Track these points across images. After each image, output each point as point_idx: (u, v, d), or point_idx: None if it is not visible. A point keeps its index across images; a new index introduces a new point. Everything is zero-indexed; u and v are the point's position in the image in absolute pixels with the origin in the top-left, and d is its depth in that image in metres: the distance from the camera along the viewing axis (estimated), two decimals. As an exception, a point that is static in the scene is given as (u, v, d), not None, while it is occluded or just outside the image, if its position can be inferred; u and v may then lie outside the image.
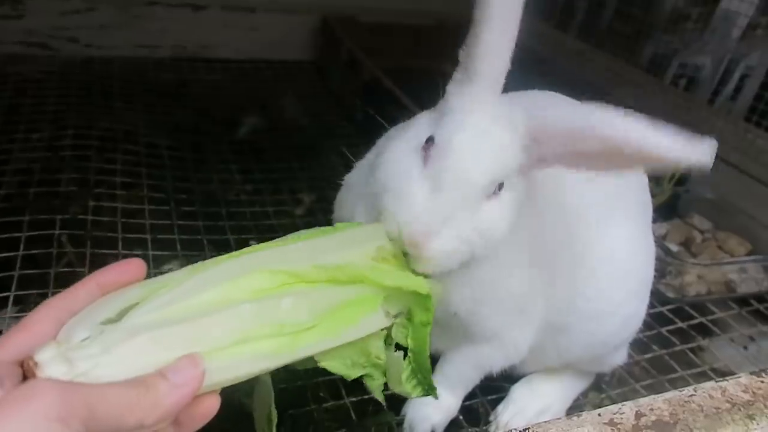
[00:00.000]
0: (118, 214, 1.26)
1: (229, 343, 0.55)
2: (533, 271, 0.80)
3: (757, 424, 0.74)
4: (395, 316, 0.67)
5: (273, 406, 0.71)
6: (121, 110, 1.70)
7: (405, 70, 1.83)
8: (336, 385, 0.96)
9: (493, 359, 0.87)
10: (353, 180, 0.85)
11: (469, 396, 0.97)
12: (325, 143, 1.74)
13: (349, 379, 0.66)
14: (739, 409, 0.76)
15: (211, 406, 0.55)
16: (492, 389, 1.00)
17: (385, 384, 0.70)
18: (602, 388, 1.09)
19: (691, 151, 0.61)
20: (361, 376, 0.68)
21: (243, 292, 0.59)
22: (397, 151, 0.70)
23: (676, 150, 0.60)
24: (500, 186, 0.68)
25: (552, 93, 0.89)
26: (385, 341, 0.67)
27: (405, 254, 0.65)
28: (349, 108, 1.91)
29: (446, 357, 0.90)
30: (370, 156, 0.86)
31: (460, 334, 0.82)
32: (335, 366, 0.65)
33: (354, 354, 0.65)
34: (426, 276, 0.66)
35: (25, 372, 0.49)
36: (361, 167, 0.86)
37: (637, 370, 1.15)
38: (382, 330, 0.66)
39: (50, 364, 0.49)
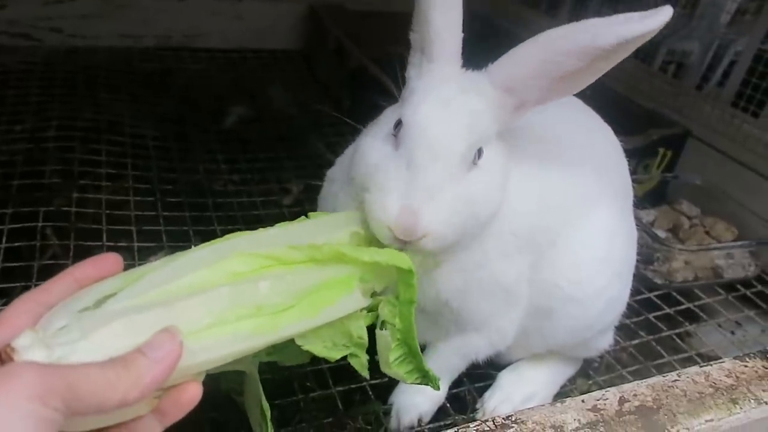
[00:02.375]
0: (102, 206, 1.25)
1: (207, 325, 0.56)
2: (520, 256, 0.80)
3: (740, 408, 0.75)
4: (380, 294, 0.67)
5: (264, 399, 0.71)
6: (105, 101, 1.68)
7: (393, 57, 1.81)
8: (323, 374, 0.96)
9: (479, 347, 0.87)
10: (335, 175, 0.85)
11: (457, 383, 0.97)
12: (313, 132, 1.73)
13: (332, 361, 0.66)
14: (723, 394, 0.77)
15: (194, 394, 0.55)
16: (479, 377, 1.00)
17: (377, 370, 0.70)
18: (590, 375, 1.09)
19: (654, 16, 0.63)
20: (345, 356, 0.68)
21: (220, 276, 0.59)
22: (368, 143, 0.71)
23: (644, 22, 0.63)
24: (479, 154, 0.68)
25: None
26: (373, 321, 0.67)
27: (404, 244, 0.64)
28: (337, 97, 1.89)
29: (433, 346, 0.90)
30: (349, 151, 0.85)
31: (450, 324, 0.83)
32: (316, 348, 0.65)
33: (335, 335, 0.65)
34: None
35: (3, 360, 0.48)
36: (341, 162, 0.86)
37: (625, 356, 1.15)
38: (361, 311, 0.66)
39: (28, 349, 0.49)
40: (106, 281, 0.57)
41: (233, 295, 0.58)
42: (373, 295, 0.68)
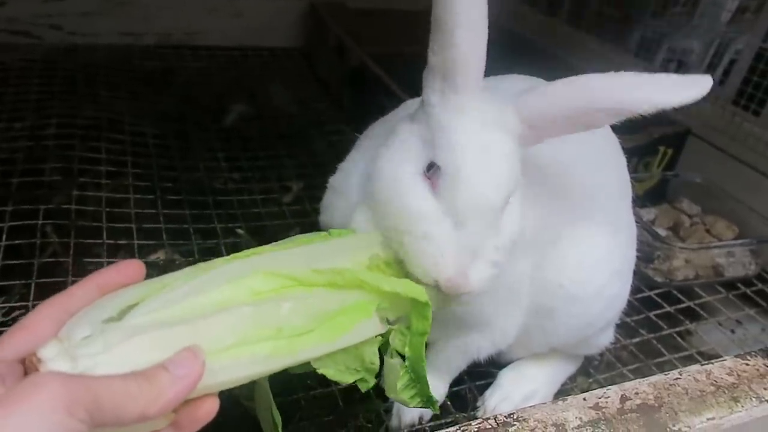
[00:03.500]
0: (102, 204, 1.24)
1: (229, 345, 0.56)
2: (524, 256, 0.79)
3: (742, 406, 0.75)
4: (392, 323, 0.67)
5: (274, 407, 0.71)
6: (105, 98, 1.68)
7: (394, 55, 1.81)
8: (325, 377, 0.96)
9: (481, 346, 0.87)
10: (337, 184, 0.83)
11: (457, 382, 0.97)
12: (313, 130, 1.73)
13: (344, 384, 0.66)
14: (724, 392, 0.76)
15: (211, 408, 0.55)
16: (480, 375, 1.00)
17: (382, 392, 0.71)
18: (590, 373, 1.09)
19: (693, 87, 0.63)
20: (355, 381, 0.68)
21: (242, 294, 0.59)
22: (394, 174, 0.67)
23: (683, 94, 0.62)
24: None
25: (532, 77, 0.88)
26: (381, 348, 0.67)
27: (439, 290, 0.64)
28: (337, 95, 1.89)
29: (434, 346, 0.90)
30: (354, 157, 0.84)
31: (454, 324, 0.82)
32: (329, 372, 0.65)
33: (348, 359, 0.66)
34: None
35: (28, 369, 0.49)
36: (345, 170, 0.83)
37: (625, 355, 1.15)
38: (376, 336, 0.66)
39: (54, 360, 0.49)
40: (129, 289, 0.57)
41: (256, 316, 0.58)
42: (382, 322, 0.68)
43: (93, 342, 0.50)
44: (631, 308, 1.23)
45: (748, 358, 0.83)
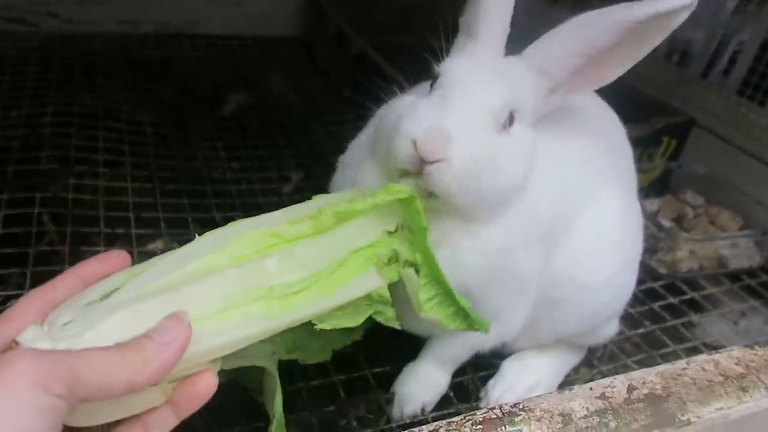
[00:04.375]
0: (99, 193, 1.22)
1: (216, 309, 0.54)
2: (539, 246, 0.78)
3: (750, 396, 0.74)
4: (393, 230, 0.65)
5: (280, 400, 0.70)
6: (103, 87, 1.65)
7: (394, 44, 1.79)
8: (324, 363, 0.93)
9: (486, 338, 0.85)
10: (349, 159, 0.83)
11: (460, 372, 0.96)
12: (313, 120, 1.71)
13: (356, 325, 0.64)
14: (732, 382, 0.75)
15: (209, 385, 0.54)
16: (482, 365, 0.99)
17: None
18: (594, 364, 1.08)
19: None
20: (371, 315, 0.65)
21: (225, 259, 0.58)
22: (404, 98, 0.72)
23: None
24: (512, 120, 0.68)
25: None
26: (390, 261, 0.64)
27: (419, 175, 0.63)
28: (337, 84, 1.87)
29: (438, 337, 0.89)
30: (363, 135, 0.85)
31: None
32: (337, 322, 0.62)
33: (356, 301, 0.63)
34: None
35: None
36: (355, 146, 0.84)
37: (629, 346, 1.14)
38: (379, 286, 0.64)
39: (32, 342, 0.47)
40: (112, 277, 0.57)
41: (241, 277, 0.56)
42: (390, 235, 0.65)
43: (74, 324, 0.49)
44: (635, 299, 1.22)
45: (756, 348, 0.82)
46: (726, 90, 1.52)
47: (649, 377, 0.73)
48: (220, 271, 0.56)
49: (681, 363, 0.77)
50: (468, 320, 0.67)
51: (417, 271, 0.65)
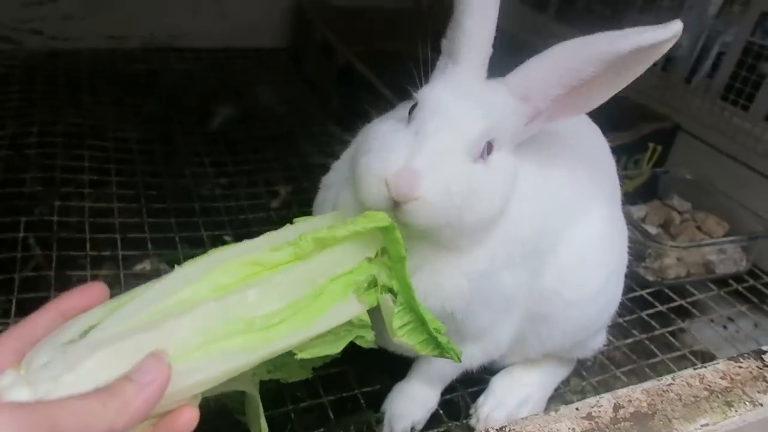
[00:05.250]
0: (85, 214, 1.22)
1: (197, 345, 0.54)
2: (524, 265, 0.78)
3: (736, 411, 0.74)
4: (373, 256, 0.65)
5: (263, 419, 0.70)
6: (88, 104, 1.65)
7: (381, 53, 1.79)
8: (313, 383, 0.94)
9: (474, 357, 0.86)
10: (331, 180, 0.83)
11: (449, 389, 0.96)
12: (301, 131, 1.71)
13: (337, 353, 0.65)
14: (717, 397, 0.76)
15: (190, 418, 0.54)
16: (472, 381, 0.99)
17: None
18: (583, 375, 1.09)
19: (668, 28, 0.64)
20: (351, 342, 0.66)
21: (206, 291, 0.57)
22: (378, 124, 0.71)
23: (658, 33, 0.64)
24: (490, 148, 0.68)
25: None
26: (369, 286, 0.65)
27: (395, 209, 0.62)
28: (325, 94, 1.87)
29: (427, 356, 0.89)
30: (346, 154, 0.85)
31: (450, 336, 0.80)
32: (318, 350, 0.63)
33: (336, 328, 0.63)
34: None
35: None
36: (338, 167, 0.84)
37: (618, 356, 1.15)
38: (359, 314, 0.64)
39: (11, 388, 0.47)
40: (92, 311, 0.56)
41: (222, 310, 0.56)
42: (370, 262, 0.65)
43: (53, 365, 0.49)
44: (623, 308, 1.22)
45: (741, 360, 0.82)
46: (710, 95, 1.53)
47: (635, 395, 0.73)
48: (201, 304, 0.56)
49: (667, 378, 0.77)
50: (440, 348, 0.67)
51: (394, 296, 0.65)
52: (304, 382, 0.94)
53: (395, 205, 0.62)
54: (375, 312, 0.66)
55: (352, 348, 0.72)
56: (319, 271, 0.62)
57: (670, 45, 0.65)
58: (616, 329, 1.18)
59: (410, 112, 0.68)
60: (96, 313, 0.55)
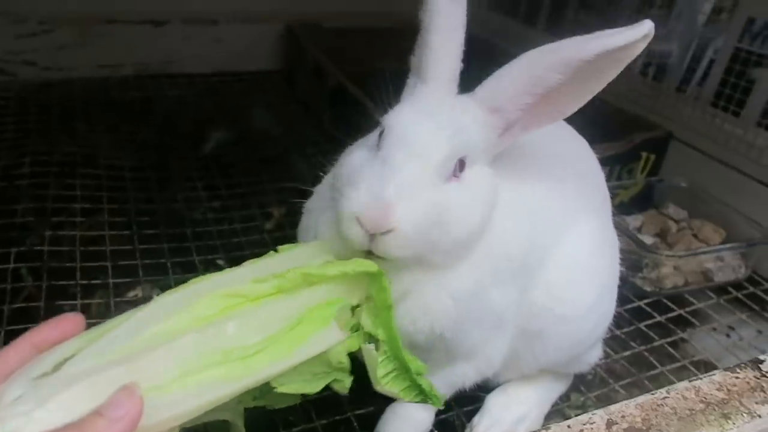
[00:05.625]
0: (76, 243, 1.22)
1: (173, 378, 0.54)
2: (513, 282, 0.77)
3: (733, 423, 0.72)
4: (358, 306, 0.65)
5: None
6: (82, 133, 1.66)
7: (372, 73, 1.79)
8: (306, 407, 0.93)
9: (466, 376, 0.84)
10: (313, 205, 0.82)
11: (445, 408, 0.94)
12: (295, 153, 1.71)
13: (313, 393, 0.64)
14: (714, 409, 0.74)
15: None
16: (467, 400, 0.97)
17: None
18: (583, 390, 1.07)
19: (636, 29, 0.63)
20: (327, 385, 0.65)
21: (185, 323, 0.57)
22: (349, 153, 0.71)
23: (625, 35, 0.63)
24: (462, 166, 0.67)
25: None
26: (352, 329, 0.64)
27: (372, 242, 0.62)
28: (317, 116, 1.88)
29: None
30: (327, 178, 0.84)
31: (441, 355, 0.79)
32: (295, 386, 0.62)
33: (314, 366, 0.63)
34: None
35: None
36: (319, 191, 0.84)
37: (618, 368, 1.13)
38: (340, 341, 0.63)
39: None
40: (66, 343, 0.55)
41: (199, 342, 0.56)
42: (354, 309, 0.65)
43: (24, 400, 0.48)
44: (621, 319, 1.21)
45: (738, 370, 0.81)
46: (701, 102, 1.53)
47: (628, 410, 0.72)
48: (178, 336, 0.55)
49: (661, 392, 0.76)
50: (423, 395, 0.66)
51: (376, 344, 0.64)
52: (296, 406, 0.93)
53: (372, 239, 0.62)
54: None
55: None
56: (303, 307, 0.62)
57: (641, 46, 0.64)
58: (615, 341, 1.17)
59: (379, 137, 0.67)
60: (70, 346, 0.55)
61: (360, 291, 0.64)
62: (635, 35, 0.63)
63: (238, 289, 0.59)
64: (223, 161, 1.63)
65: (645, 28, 0.63)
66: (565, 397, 1.05)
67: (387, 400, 0.92)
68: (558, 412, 1.03)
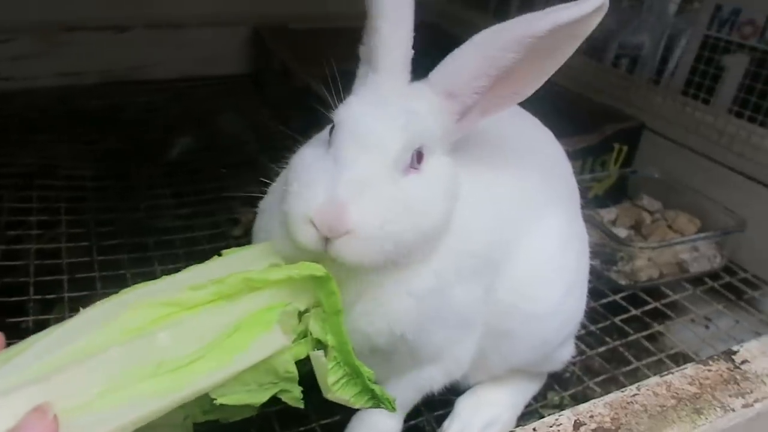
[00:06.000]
0: (31, 257, 1.17)
1: (98, 394, 0.50)
2: (477, 279, 0.74)
3: (706, 418, 0.70)
4: (305, 311, 0.61)
5: None
6: (43, 143, 1.60)
7: (342, 73, 1.77)
8: (268, 419, 0.89)
9: (434, 379, 0.81)
10: (267, 205, 0.79)
11: (414, 414, 0.91)
12: (264, 156, 1.67)
13: (259, 404, 0.61)
14: (686, 405, 0.72)
15: None
16: (438, 404, 0.94)
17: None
18: (558, 389, 1.04)
19: (587, 3, 0.61)
20: (275, 394, 0.62)
21: (112, 336, 0.53)
22: (300, 150, 0.68)
23: (576, 8, 0.61)
24: (420, 157, 0.64)
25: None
26: (311, 349, 0.61)
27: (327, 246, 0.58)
28: (286, 118, 1.84)
29: (386, 383, 0.84)
30: (280, 178, 0.81)
31: (406, 358, 0.76)
32: (238, 397, 0.59)
33: (259, 376, 0.59)
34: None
35: None
36: (273, 191, 0.80)
37: (596, 365, 1.10)
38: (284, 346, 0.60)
39: None
40: None
41: (128, 355, 0.52)
42: (301, 315, 0.62)
43: None
44: (597, 315, 1.19)
45: (710, 363, 0.79)
46: (671, 91, 1.51)
47: (596, 410, 0.69)
48: (104, 350, 0.51)
49: (631, 389, 0.73)
50: (374, 399, 0.63)
51: (326, 350, 0.61)
52: (258, 418, 0.89)
53: (327, 243, 0.58)
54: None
55: (309, 377, 0.68)
56: (244, 313, 0.58)
57: (594, 20, 0.62)
58: (591, 337, 1.14)
59: (330, 132, 0.64)
60: None
61: (307, 296, 0.61)
62: (586, 8, 0.61)
63: (173, 297, 0.56)
64: (190, 168, 1.59)
65: (597, 1, 0.61)
66: (540, 397, 1.02)
67: (353, 409, 0.89)
68: (533, 412, 1.00)
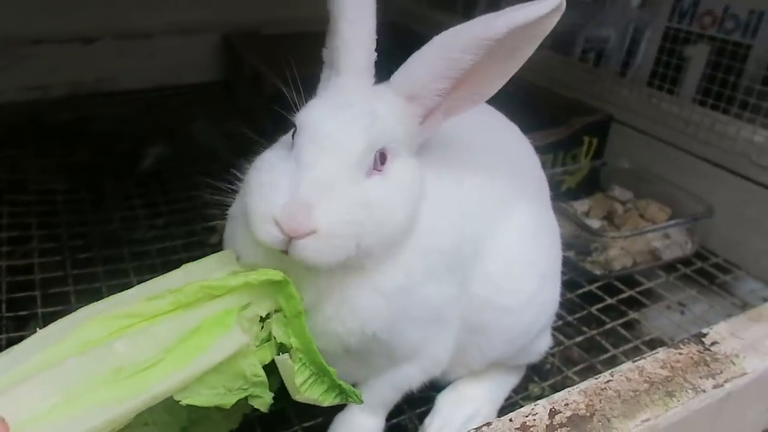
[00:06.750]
0: (2, 274, 1.15)
1: (55, 404, 0.50)
2: (449, 276, 0.75)
3: (678, 400, 0.71)
4: (267, 317, 0.62)
5: None
6: (10, 159, 1.58)
7: (312, 77, 1.77)
8: (251, 424, 0.89)
9: (412, 377, 0.82)
10: (236, 212, 0.79)
11: (396, 412, 0.92)
12: (238, 163, 1.66)
13: (228, 407, 0.61)
14: (658, 388, 0.73)
15: None
16: (420, 401, 0.95)
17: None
18: (538, 380, 1.05)
19: (544, 3, 0.61)
20: (246, 398, 0.62)
21: (69, 349, 0.53)
22: (265, 157, 0.68)
23: (533, 9, 0.61)
24: (383, 159, 0.65)
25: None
26: (262, 341, 0.62)
27: (287, 251, 0.59)
28: (259, 124, 1.83)
29: (365, 384, 0.84)
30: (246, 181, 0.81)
31: (381, 359, 0.77)
32: (203, 398, 0.59)
33: (227, 380, 0.60)
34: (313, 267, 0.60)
35: None
36: (241, 197, 0.80)
37: (575, 355, 1.12)
38: (249, 347, 0.60)
39: None
40: None
41: (85, 365, 0.52)
42: (263, 320, 0.62)
43: None
44: (573, 305, 1.20)
45: (681, 346, 0.80)
46: (637, 83, 1.54)
47: (571, 397, 0.70)
48: (60, 362, 0.51)
49: (605, 376, 0.74)
50: (342, 394, 0.64)
51: (290, 352, 0.61)
52: (241, 423, 0.89)
53: (289, 243, 0.58)
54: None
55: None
56: (203, 319, 0.58)
57: (552, 20, 0.62)
58: (569, 328, 1.16)
59: (293, 137, 0.64)
60: None
61: (268, 301, 0.61)
62: (543, 9, 0.61)
63: (131, 309, 0.56)
64: (163, 177, 1.58)
65: (554, 1, 0.61)
66: (521, 389, 1.03)
67: (335, 410, 0.89)
68: (514, 404, 1.00)
